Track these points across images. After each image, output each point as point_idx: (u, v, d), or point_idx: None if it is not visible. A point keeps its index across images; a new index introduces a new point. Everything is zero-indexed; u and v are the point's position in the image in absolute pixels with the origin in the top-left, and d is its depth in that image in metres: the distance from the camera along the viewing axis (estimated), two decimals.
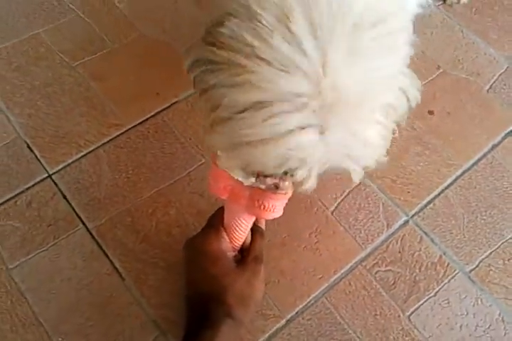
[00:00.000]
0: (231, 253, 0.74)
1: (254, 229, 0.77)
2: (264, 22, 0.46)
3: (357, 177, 0.55)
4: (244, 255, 0.75)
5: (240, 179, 0.62)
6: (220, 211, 0.75)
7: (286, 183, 0.64)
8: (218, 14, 0.51)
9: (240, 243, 0.75)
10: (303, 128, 0.47)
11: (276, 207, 0.67)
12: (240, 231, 0.73)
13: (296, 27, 0.45)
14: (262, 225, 0.80)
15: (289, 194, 0.66)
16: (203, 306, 0.69)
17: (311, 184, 0.54)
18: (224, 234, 0.73)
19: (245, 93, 0.47)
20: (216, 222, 0.75)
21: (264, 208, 0.66)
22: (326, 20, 0.45)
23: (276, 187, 0.63)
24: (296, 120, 0.46)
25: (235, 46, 0.47)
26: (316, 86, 0.45)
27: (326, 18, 0.45)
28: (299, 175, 0.52)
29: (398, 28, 0.51)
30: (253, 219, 0.73)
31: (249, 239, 0.77)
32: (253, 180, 0.62)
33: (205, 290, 0.71)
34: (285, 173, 0.58)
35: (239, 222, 0.72)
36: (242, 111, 0.48)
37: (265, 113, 0.46)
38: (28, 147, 0.93)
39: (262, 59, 0.45)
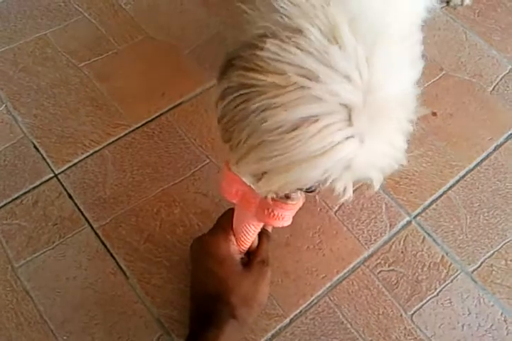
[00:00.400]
0: (238, 256, 0.74)
1: (261, 232, 0.77)
2: (312, 37, 0.47)
3: (378, 184, 0.56)
4: (251, 258, 0.76)
5: (253, 186, 0.63)
6: (229, 212, 0.76)
7: (298, 194, 0.65)
8: (247, 36, 0.52)
9: (247, 246, 0.76)
10: (348, 138, 0.48)
11: (285, 217, 0.67)
12: (248, 235, 0.74)
13: (345, 41, 0.47)
14: (269, 229, 0.81)
15: (300, 204, 0.68)
16: (208, 306, 0.70)
17: (348, 195, 0.55)
18: (232, 237, 0.74)
19: (295, 110, 0.47)
20: (225, 223, 0.76)
21: (273, 216, 0.66)
22: (369, 34, 0.47)
23: (287, 197, 0.64)
24: (344, 131, 0.47)
25: (279, 67, 0.47)
26: (364, 96, 0.47)
27: (368, 32, 0.47)
28: (338, 187, 0.53)
29: (418, 41, 0.54)
30: (262, 224, 0.74)
31: (256, 242, 0.78)
32: None
33: (211, 291, 0.71)
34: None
35: (248, 226, 0.72)
36: (290, 131, 0.48)
37: (315, 127, 0.47)
38: (35, 147, 0.94)
39: (311, 74, 0.46)
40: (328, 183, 0.52)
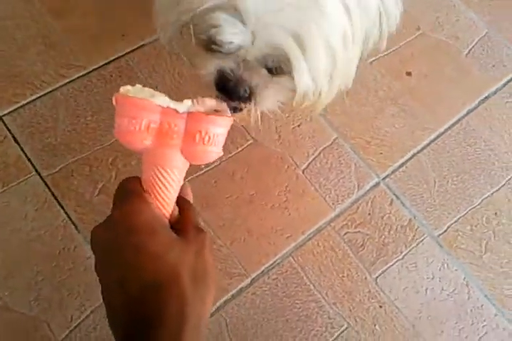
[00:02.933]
0: (165, 220, 0.52)
1: (179, 199, 0.55)
2: None
3: (302, 82, 0.51)
4: (181, 226, 0.53)
5: (172, 105, 0.49)
6: (128, 179, 0.53)
7: (224, 106, 0.56)
8: None
9: (171, 206, 0.53)
10: None
11: (218, 138, 0.53)
12: (169, 186, 0.52)
13: None
14: (190, 198, 0.58)
15: (231, 120, 0.54)
16: (145, 307, 0.46)
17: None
18: (149, 198, 0.51)
19: None
20: (132, 186, 0.52)
21: (208, 141, 0.51)
22: None
23: (216, 111, 0.56)
24: None
25: None
26: None
27: None
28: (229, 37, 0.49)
29: None
30: (184, 167, 0.54)
31: (177, 209, 0.55)
32: (189, 102, 0.50)
33: (146, 276, 0.47)
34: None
35: (165, 173, 0.52)
36: None
37: None
38: None
39: None
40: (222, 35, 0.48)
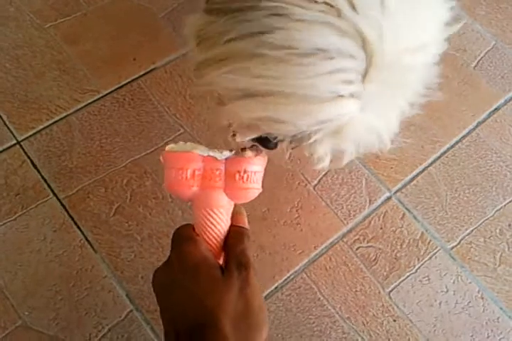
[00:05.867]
0: (213, 259, 0.55)
1: (230, 236, 0.58)
2: None
3: (348, 159, 0.51)
4: (225, 264, 0.55)
5: (212, 154, 0.55)
6: (181, 226, 0.58)
7: (258, 148, 0.59)
8: None
9: (219, 244, 0.57)
10: (353, 96, 0.43)
11: (256, 175, 0.58)
12: (218, 225, 0.57)
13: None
14: (245, 225, 0.60)
15: (266, 158, 0.59)
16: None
17: (325, 163, 0.51)
18: (199, 238, 0.56)
19: (313, 32, 0.41)
20: (186, 232, 0.56)
21: (247, 179, 0.60)
22: None
23: (256, 150, 0.59)
24: (353, 86, 0.42)
25: None
26: (387, 54, 0.42)
27: None
28: (319, 151, 0.49)
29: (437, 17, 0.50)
30: (229, 206, 0.59)
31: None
32: (227, 153, 0.56)
33: (191, 318, 0.49)
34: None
35: (213, 213, 0.57)
36: (300, 56, 0.41)
37: (328, 65, 0.41)
38: None
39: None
40: (305, 142, 0.48)
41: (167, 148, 0.56)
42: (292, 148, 0.56)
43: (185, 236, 0.56)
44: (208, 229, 0.57)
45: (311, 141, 0.47)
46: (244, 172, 0.57)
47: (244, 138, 0.56)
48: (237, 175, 0.57)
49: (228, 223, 0.58)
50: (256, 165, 0.58)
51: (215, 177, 0.57)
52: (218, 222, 0.57)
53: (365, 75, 0.42)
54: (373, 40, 0.41)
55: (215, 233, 0.57)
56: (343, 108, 0.43)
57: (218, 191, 0.57)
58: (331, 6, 0.40)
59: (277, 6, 0.41)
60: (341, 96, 0.42)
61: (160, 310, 0.52)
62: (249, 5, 0.42)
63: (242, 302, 0.50)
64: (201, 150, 0.55)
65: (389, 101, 0.46)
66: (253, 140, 0.57)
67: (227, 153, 0.56)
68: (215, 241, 0.57)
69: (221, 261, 0.56)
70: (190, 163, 0.55)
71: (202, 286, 0.51)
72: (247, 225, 0.59)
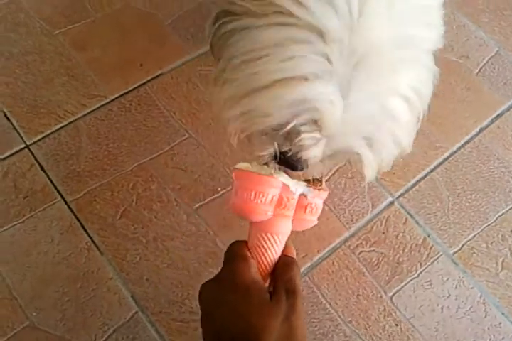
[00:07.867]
0: (262, 282, 0.56)
1: (281, 262, 0.60)
2: None
3: (370, 172, 0.52)
4: (274, 289, 0.56)
5: (289, 183, 0.56)
6: (238, 242, 0.60)
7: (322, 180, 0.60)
8: None
9: (269, 269, 0.59)
10: (322, 76, 0.44)
11: (319, 209, 0.61)
12: (274, 250, 0.58)
13: None
14: (294, 256, 0.62)
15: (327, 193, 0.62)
16: None
17: (322, 168, 0.53)
18: (253, 262, 0.57)
19: (268, 32, 0.45)
20: (239, 250, 0.58)
21: (314, 212, 0.60)
22: None
23: (317, 181, 0.60)
24: (317, 64, 0.44)
25: None
26: (348, 26, 0.43)
27: None
28: (312, 152, 0.49)
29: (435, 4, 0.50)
30: (288, 233, 0.60)
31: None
32: (306, 188, 0.57)
33: (236, 335, 0.51)
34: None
35: (273, 239, 0.57)
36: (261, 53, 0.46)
37: (285, 53, 0.44)
38: (6, 116, 0.89)
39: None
40: (299, 140, 0.48)
41: (239, 166, 0.56)
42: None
43: (239, 255, 0.57)
44: (264, 253, 0.58)
45: (302, 130, 0.48)
46: (315, 205, 0.59)
47: (263, 152, 0.55)
48: (308, 208, 0.59)
49: (281, 251, 0.59)
50: (322, 199, 0.60)
51: (290, 206, 0.57)
52: (275, 248, 0.58)
53: (328, 55, 0.44)
54: (330, 27, 0.44)
55: (269, 258, 0.58)
56: (311, 88, 0.44)
57: (287, 219, 0.58)
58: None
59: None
60: (307, 78, 0.44)
61: (202, 322, 0.54)
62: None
63: (286, 327, 0.52)
64: (283, 178, 0.55)
65: (379, 89, 0.46)
66: (279, 163, 0.56)
67: (302, 183, 0.57)
68: (266, 266, 0.58)
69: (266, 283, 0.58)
70: (271, 188, 0.55)
71: (251, 307, 0.52)
72: (295, 256, 0.61)
